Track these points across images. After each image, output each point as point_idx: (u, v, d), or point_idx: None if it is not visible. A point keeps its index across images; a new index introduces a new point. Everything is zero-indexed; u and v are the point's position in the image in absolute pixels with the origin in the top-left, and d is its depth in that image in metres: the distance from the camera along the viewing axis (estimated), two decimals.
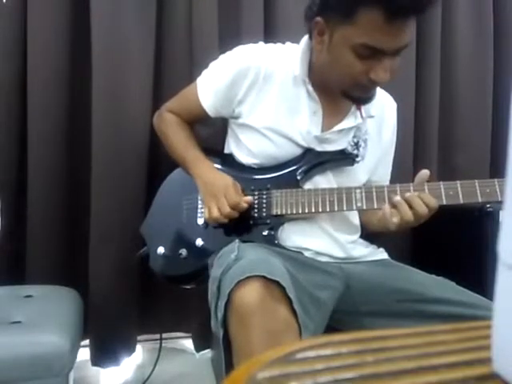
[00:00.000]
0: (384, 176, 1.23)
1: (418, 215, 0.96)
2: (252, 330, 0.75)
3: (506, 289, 0.27)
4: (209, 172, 1.14)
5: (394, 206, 0.98)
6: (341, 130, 1.12)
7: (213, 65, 1.17)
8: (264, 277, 0.78)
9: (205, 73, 1.19)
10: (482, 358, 0.28)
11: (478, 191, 0.96)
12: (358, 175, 1.14)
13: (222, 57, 1.15)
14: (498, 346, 0.28)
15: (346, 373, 0.27)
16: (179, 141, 1.23)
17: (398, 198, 0.97)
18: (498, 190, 0.95)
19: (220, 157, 1.21)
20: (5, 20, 1.36)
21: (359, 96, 1.05)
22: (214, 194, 1.08)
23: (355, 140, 1.13)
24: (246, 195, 1.09)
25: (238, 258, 0.88)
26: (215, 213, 1.06)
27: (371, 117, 1.16)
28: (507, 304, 0.27)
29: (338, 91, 1.06)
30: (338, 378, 0.27)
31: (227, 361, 0.81)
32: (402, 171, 1.43)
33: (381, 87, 1.12)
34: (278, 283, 0.79)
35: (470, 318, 0.90)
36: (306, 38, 1.11)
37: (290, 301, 0.79)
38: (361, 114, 1.13)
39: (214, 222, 1.08)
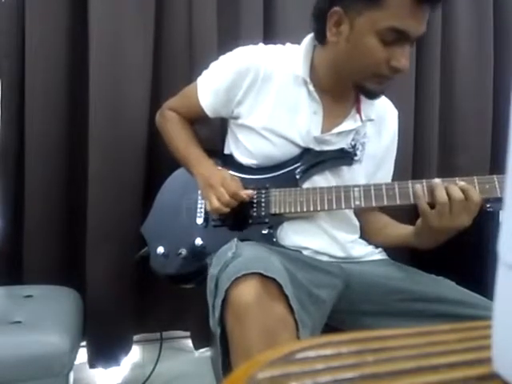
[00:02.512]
0: (384, 181, 1.22)
1: (454, 202, 0.92)
2: (248, 327, 0.75)
3: (506, 289, 0.27)
4: (208, 168, 1.15)
5: (429, 189, 0.96)
6: (340, 133, 1.12)
7: (213, 65, 1.18)
8: (261, 274, 0.78)
9: (205, 73, 1.20)
10: (482, 358, 0.28)
11: (477, 187, 0.96)
12: (356, 177, 1.14)
13: (222, 57, 1.16)
14: (498, 346, 0.28)
15: (346, 373, 0.27)
16: (181, 139, 1.24)
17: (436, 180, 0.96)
18: (497, 186, 0.95)
19: (219, 157, 1.21)
20: (3, 20, 1.36)
21: (373, 89, 1.06)
22: (212, 185, 1.08)
23: (353, 143, 1.14)
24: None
25: (236, 256, 0.88)
26: (215, 203, 1.06)
27: (371, 120, 1.16)
28: (507, 304, 0.27)
29: (351, 84, 1.06)
30: (337, 378, 0.27)
31: (225, 359, 0.82)
32: (402, 172, 1.43)
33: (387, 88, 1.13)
34: (274, 280, 0.79)
35: (470, 318, 0.90)
36: (308, 38, 1.12)
37: (286, 298, 0.79)
38: (360, 117, 1.14)
39: (216, 212, 1.08)
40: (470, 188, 0.93)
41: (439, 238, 1.01)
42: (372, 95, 1.09)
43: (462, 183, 0.94)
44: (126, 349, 1.53)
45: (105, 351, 1.48)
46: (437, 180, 0.96)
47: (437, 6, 0.99)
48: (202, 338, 1.58)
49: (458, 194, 0.92)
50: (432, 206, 0.96)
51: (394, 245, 1.18)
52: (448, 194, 0.93)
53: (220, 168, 1.16)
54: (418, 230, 1.03)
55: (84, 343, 1.46)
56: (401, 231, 1.13)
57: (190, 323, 1.59)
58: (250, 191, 1.08)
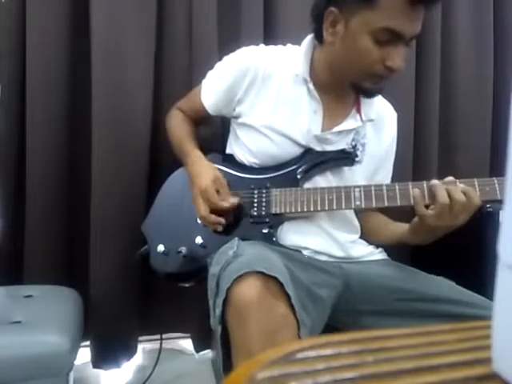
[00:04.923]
0: (383, 182, 1.23)
1: (456, 203, 0.92)
2: (250, 325, 0.75)
3: (506, 289, 0.27)
4: (195, 166, 1.16)
5: (430, 191, 0.96)
6: (340, 132, 1.12)
7: (217, 65, 1.21)
8: (262, 273, 0.78)
9: (209, 73, 1.22)
10: (481, 358, 0.28)
11: (478, 190, 0.96)
12: (356, 178, 1.14)
13: (226, 58, 1.18)
14: (498, 346, 0.28)
15: (346, 373, 0.27)
16: (179, 133, 1.26)
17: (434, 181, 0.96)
18: (497, 188, 0.96)
19: (221, 156, 1.22)
20: (4, 20, 1.36)
21: (369, 88, 1.06)
22: (194, 199, 1.11)
23: (353, 143, 1.14)
24: (235, 194, 1.10)
25: (237, 255, 0.88)
26: (201, 213, 1.09)
27: (371, 120, 1.16)
28: (507, 304, 0.27)
29: (348, 84, 1.07)
30: (337, 378, 0.27)
31: (225, 358, 0.82)
32: (402, 172, 1.43)
33: (386, 88, 1.13)
34: (276, 279, 0.79)
35: (469, 318, 0.90)
36: (308, 38, 1.13)
37: (288, 297, 0.79)
38: (361, 117, 1.14)
39: (206, 223, 1.10)
40: (471, 190, 0.93)
41: (435, 235, 1.01)
42: (369, 94, 1.10)
43: (462, 185, 0.95)
44: (128, 351, 1.52)
45: (107, 353, 1.47)
46: (436, 181, 0.96)
47: (432, 6, 0.99)
48: (202, 341, 1.58)
49: (459, 195, 0.92)
50: (427, 206, 0.97)
51: (390, 243, 1.18)
52: (450, 196, 0.93)
53: (220, 167, 1.16)
54: (414, 228, 1.03)
55: (87, 343, 1.46)
56: (397, 230, 1.14)
57: (191, 325, 1.59)
58: (232, 200, 1.09)
